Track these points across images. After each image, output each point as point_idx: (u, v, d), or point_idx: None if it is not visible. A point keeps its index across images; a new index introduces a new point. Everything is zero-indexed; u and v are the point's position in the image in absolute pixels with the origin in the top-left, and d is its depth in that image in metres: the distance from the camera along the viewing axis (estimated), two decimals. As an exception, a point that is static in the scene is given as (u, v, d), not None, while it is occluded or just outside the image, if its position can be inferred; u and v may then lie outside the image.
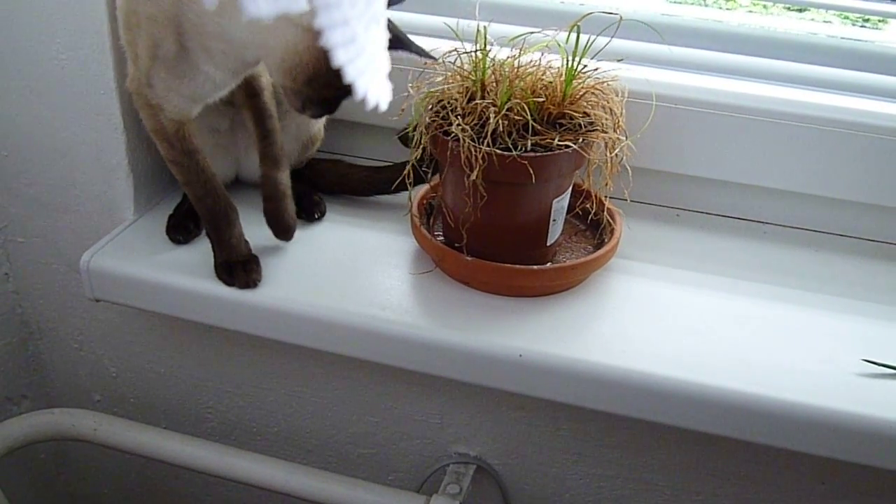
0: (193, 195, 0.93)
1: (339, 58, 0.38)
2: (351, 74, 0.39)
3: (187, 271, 0.95)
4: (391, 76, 0.47)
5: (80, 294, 1.01)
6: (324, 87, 0.78)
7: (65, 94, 1.00)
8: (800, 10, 1.14)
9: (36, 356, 1.27)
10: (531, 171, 0.84)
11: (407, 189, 0.95)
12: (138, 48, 0.84)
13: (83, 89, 0.98)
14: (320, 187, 1.08)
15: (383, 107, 0.42)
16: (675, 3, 1.14)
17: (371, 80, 0.41)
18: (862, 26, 1.13)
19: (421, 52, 0.82)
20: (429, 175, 0.96)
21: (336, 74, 0.84)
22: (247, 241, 0.95)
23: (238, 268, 0.93)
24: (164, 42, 0.82)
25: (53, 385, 1.29)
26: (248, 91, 0.96)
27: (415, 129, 0.90)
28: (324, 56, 0.75)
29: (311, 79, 0.77)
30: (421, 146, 0.90)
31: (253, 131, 0.98)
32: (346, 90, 0.79)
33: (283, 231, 0.98)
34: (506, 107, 0.86)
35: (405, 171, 0.93)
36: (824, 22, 1.14)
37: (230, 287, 0.93)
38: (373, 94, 0.41)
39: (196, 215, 1.02)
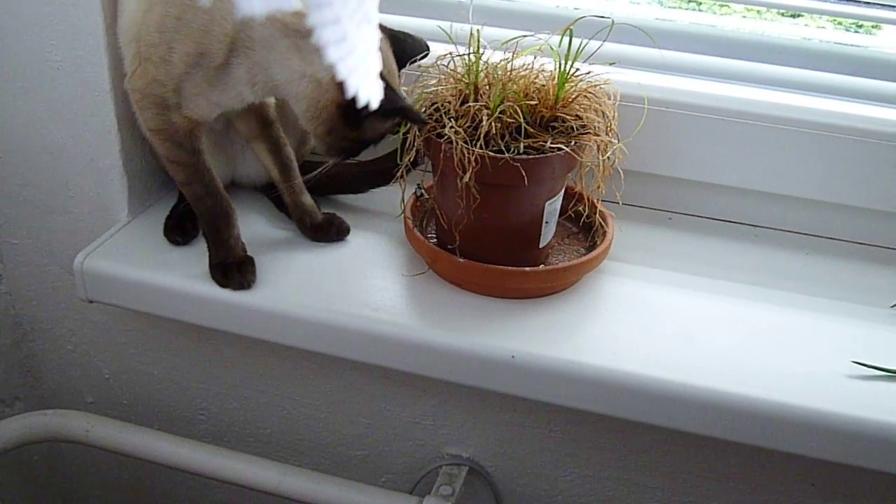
0: (193, 195, 0.94)
1: (331, 55, 0.38)
2: (342, 73, 0.40)
3: (181, 273, 0.95)
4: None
5: (74, 295, 1.01)
6: (340, 139, 0.86)
7: (59, 95, 1.00)
8: (793, 16, 1.15)
9: (29, 357, 1.27)
10: (524, 174, 0.84)
11: (399, 179, 0.95)
12: (172, 52, 0.85)
13: (77, 91, 0.99)
14: (314, 189, 1.08)
15: (374, 105, 0.42)
16: (668, 7, 1.14)
17: (362, 78, 0.41)
18: (855, 31, 1.14)
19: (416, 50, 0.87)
20: (416, 165, 0.96)
21: (351, 128, 0.87)
22: (243, 243, 0.95)
23: (233, 269, 0.93)
24: (213, 54, 0.84)
25: (46, 386, 1.29)
26: (261, 121, 0.99)
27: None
28: (337, 112, 0.84)
29: (329, 131, 0.86)
30: (414, 148, 0.91)
31: (272, 163, 1.01)
32: (363, 143, 0.88)
33: (344, 232, 1.02)
34: (498, 109, 0.86)
35: (401, 168, 0.93)
36: (818, 27, 1.15)
37: (225, 288, 0.93)
38: (364, 92, 0.41)
39: (194, 216, 1.02)
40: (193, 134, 0.91)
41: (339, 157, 0.91)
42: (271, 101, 0.99)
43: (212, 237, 0.94)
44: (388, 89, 0.83)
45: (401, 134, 0.92)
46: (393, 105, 0.83)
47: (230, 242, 0.94)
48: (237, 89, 0.87)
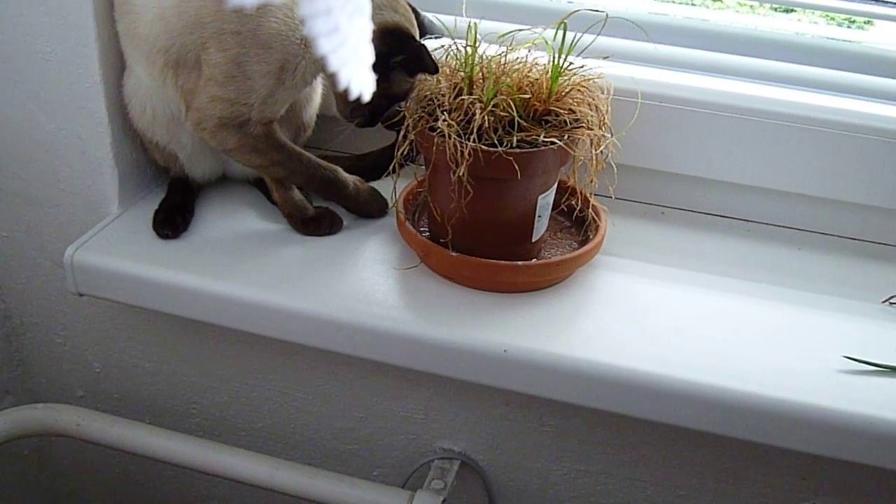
0: (304, 178, 0.96)
1: (322, 47, 0.38)
2: (334, 64, 0.39)
3: (172, 266, 0.95)
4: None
5: (64, 289, 1.00)
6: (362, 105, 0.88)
7: (49, 87, 0.99)
8: (787, 11, 1.15)
9: (19, 351, 1.26)
10: (517, 168, 0.84)
11: (391, 173, 0.95)
12: (252, 69, 0.86)
13: (67, 83, 0.98)
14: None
15: (366, 97, 0.42)
16: (662, 1, 1.14)
17: (355, 70, 0.41)
18: (848, 27, 1.14)
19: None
20: (410, 160, 0.96)
21: (378, 80, 0.88)
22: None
23: (373, 205, 1.02)
24: (297, 60, 0.87)
25: (37, 380, 1.29)
26: None
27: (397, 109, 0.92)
28: None
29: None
30: (408, 141, 0.90)
31: None
32: (389, 99, 0.91)
33: (336, 225, 1.02)
34: (492, 103, 0.86)
35: (394, 162, 0.93)
36: (811, 22, 1.15)
37: (371, 217, 1.02)
38: (356, 84, 0.41)
39: (184, 209, 1.02)
40: (272, 132, 0.92)
41: (362, 119, 0.93)
42: None
43: (340, 197, 1.00)
44: (417, 46, 0.86)
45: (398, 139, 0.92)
46: (420, 58, 0.86)
47: (353, 193, 1.00)
48: (306, 83, 0.91)
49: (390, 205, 0.99)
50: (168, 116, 0.97)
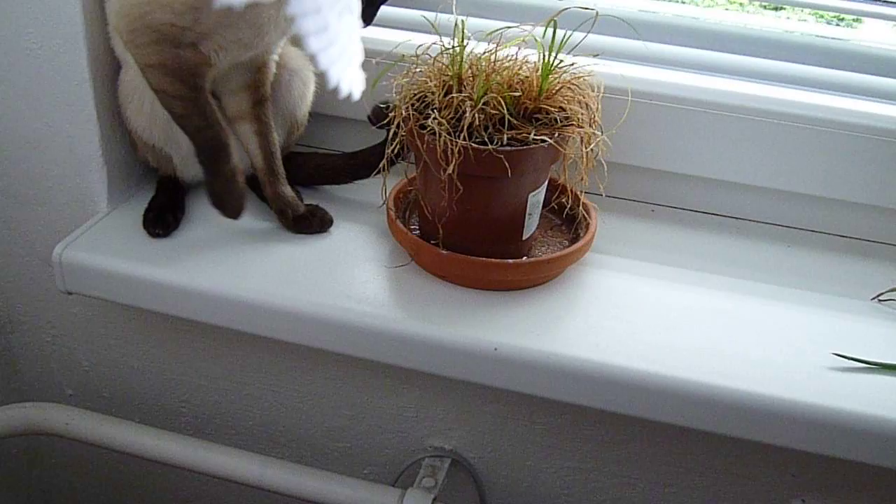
0: (192, 127, 0.90)
1: (312, 46, 0.38)
2: (323, 63, 0.39)
3: (161, 264, 0.94)
4: (365, 67, 0.47)
5: (53, 287, 1.00)
6: None
7: (37, 84, 0.98)
8: (776, 9, 1.15)
9: (7, 350, 1.25)
10: (507, 165, 0.84)
11: (381, 171, 0.95)
12: None
13: (56, 79, 0.97)
14: (297, 180, 1.07)
15: (356, 96, 0.42)
16: (652, -1, 1.15)
17: (344, 69, 0.41)
18: (837, 25, 1.15)
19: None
20: (400, 157, 0.96)
21: None
22: (242, 176, 0.95)
23: (229, 196, 0.94)
24: None
25: (25, 379, 1.28)
26: (254, 97, 0.97)
27: (387, 107, 0.91)
28: None
29: None
30: (398, 139, 0.90)
31: (257, 147, 0.99)
32: None
33: (327, 224, 1.00)
34: (482, 101, 0.86)
35: (383, 161, 0.93)
36: (799, 20, 1.15)
37: (220, 212, 0.94)
38: (345, 83, 0.41)
39: (174, 208, 1.01)
40: (200, 71, 0.88)
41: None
42: (270, 73, 0.98)
43: (211, 169, 0.92)
44: None
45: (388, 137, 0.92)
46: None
47: (228, 174, 0.92)
48: (265, 25, 0.85)
49: (379, 203, 0.99)
50: (168, 114, 0.96)
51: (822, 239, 1.06)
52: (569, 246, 0.96)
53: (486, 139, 0.84)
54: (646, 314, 0.91)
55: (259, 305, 0.91)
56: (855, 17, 1.12)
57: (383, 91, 0.90)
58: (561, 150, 0.89)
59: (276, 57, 0.98)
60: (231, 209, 0.94)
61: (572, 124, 0.89)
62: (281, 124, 1.03)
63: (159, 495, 1.33)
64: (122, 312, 1.14)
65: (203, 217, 1.02)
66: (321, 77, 0.97)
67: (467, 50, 0.89)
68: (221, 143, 0.91)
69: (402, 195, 1.01)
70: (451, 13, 0.91)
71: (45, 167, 1.04)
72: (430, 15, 0.95)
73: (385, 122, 0.92)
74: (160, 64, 0.87)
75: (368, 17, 0.89)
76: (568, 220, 1.01)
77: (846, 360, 0.85)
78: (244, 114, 0.98)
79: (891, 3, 1.02)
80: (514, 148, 0.85)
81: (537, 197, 0.92)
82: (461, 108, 0.86)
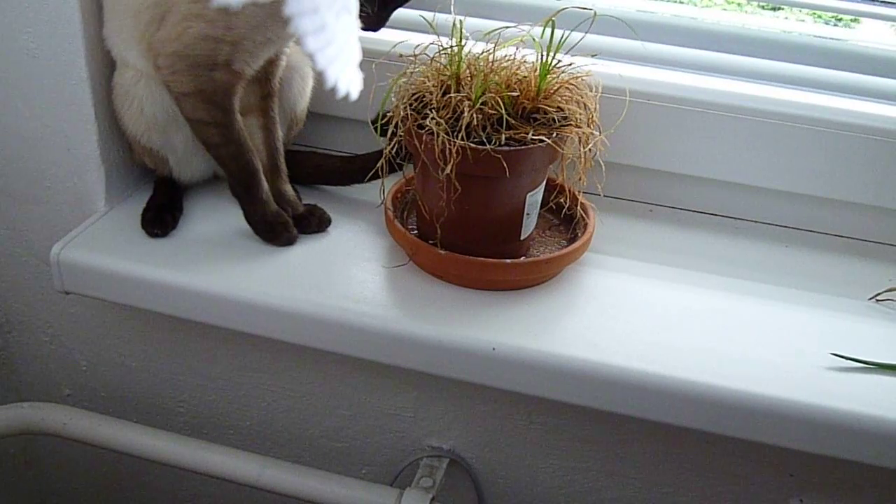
0: (228, 155, 0.93)
1: (309, 45, 0.38)
2: (321, 63, 0.39)
3: (159, 264, 0.94)
4: (363, 67, 0.47)
5: (50, 287, 0.99)
6: None
7: (35, 84, 0.98)
8: (774, 9, 1.15)
9: (5, 349, 1.25)
10: (505, 165, 0.84)
11: (380, 177, 0.95)
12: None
13: (54, 79, 0.97)
14: (296, 178, 1.07)
15: (354, 96, 0.42)
16: (650, -1, 1.15)
17: (342, 69, 0.41)
18: (834, 25, 1.15)
19: None
20: (402, 165, 0.96)
21: None
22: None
23: (278, 226, 0.96)
24: None
25: (23, 379, 1.28)
26: (263, 90, 0.98)
27: (388, 118, 0.91)
28: None
29: None
30: (396, 139, 0.90)
31: (262, 142, 0.99)
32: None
33: (325, 223, 1.00)
34: (480, 101, 0.86)
35: (379, 163, 0.93)
36: (797, 20, 1.15)
37: (272, 244, 0.96)
38: (343, 83, 0.41)
39: (172, 207, 1.01)
40: (232, 91, 0.90)
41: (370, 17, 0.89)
42: (280, 66, 0.98)
43: (246, 196, 0.95)
44: None
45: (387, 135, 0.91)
46: None
47: (264, 197, 0.95)
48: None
49: (378, 203, 0.99)
50: (166, 116, 0.96)
51: (819, 239, 1.06)
52: (567, 246, 0.96)
53: (484, 139, 0.84)
54: (644, 314, 0.91)
55: (257, 305, 0.91)
56: (853, 17, 1.12)
57: (383, 91, 0.90)
58: (559, 149, 0.89)
59: (288, 49, 0.98)
60: (282, 237, 0.96)
61: (570, 124, 0.89)
62: (281, 120, 1.03)
63: (157, 495, 1.33)
64: (120, 312, 1.13)
65: (201, 217, 1.02)
66: (319, 75, 0.98)
67: (465, 50, 0.89)
68: (254, 168, 0.94)
69: (401, 195, 1.01)
70: (450, 13, 0.91)
71: (42, 167, 1.04)
72: (429, 14, 0.95)
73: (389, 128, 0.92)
74: (196, 91, 0.89)
75: (381, 20, 0.90)
76: (566, 220, 1.01)
77: (844, 359, 0.85)
78: (252, 107, 0.99)
79: (888, 3, 1.02)
80: (512, 148, 0.85)
81: (535, 197, 0.92)
82: (459, 107, 0.86)
